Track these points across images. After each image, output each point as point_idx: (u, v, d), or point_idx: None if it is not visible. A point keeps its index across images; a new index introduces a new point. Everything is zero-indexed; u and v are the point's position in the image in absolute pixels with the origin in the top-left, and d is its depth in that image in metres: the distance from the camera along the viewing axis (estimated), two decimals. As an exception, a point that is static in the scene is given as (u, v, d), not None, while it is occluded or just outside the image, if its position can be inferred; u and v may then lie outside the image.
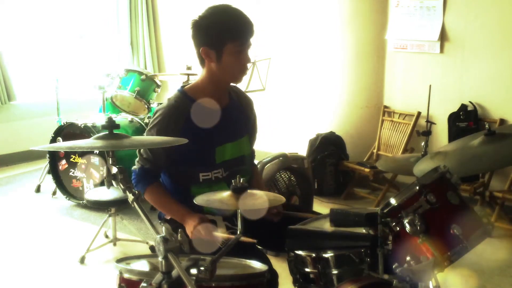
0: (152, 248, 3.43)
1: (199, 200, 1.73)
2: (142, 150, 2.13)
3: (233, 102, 2.26)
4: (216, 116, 2.16)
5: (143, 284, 1.49)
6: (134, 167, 2.16)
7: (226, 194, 1.72)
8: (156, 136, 2.07)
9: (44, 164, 4.77)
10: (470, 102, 4.34)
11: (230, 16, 2.09)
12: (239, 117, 2.27)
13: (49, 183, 4.65)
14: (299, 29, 5.27)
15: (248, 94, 2.44)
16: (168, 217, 2.20)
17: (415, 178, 1.74)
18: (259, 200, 1.72)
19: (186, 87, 2.22)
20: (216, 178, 2.16)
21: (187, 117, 2.11)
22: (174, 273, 1.43)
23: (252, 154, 2.40)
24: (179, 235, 1.46)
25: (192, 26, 2.13)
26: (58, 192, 4.51)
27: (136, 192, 1.55)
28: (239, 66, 2.12)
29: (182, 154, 2.08)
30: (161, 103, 4.86)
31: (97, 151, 4.10)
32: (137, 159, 2.15)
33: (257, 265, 1.76)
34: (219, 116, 2.17)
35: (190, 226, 1.98)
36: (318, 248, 1.70)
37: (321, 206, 4.38)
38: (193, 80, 4.28)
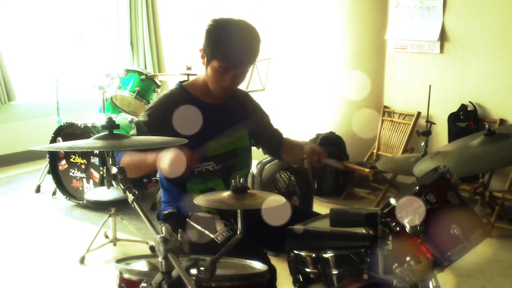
0: (152, 248, 3.43)
1: (199, 200, 1.73)
2: (135, 130, 2.11)
3: (229, 99, 2.27)
4: (210, 112, 2.17)
5: (143, 284, 1.49)
6: None
7: (226, 194, 1.72)
8: (156, 136, 2.07)
9: (44, 164, 4.77)
10: (470, 102, 4.34)
11: (230, 38, 2.05)
12: (235, 113, 2.29)
13: (49, 183, 4.65)
14: (299, 29, 5.27)
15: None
16: (166, 212, 2.20)
17: (415, 178, 1.74)
18: (259, 200, 1.72)
19: (185, 82, 2.26)
20: (207, 171, 2.16)
21: (181, 109, 2.13)
22: (174, 273, 1.43)
23: (277, 136, 2.44)
24: (179, 235, 1.46)
25: (208, 24, 2.12)
26: (58, 192, 4.51)
27: (136, 192, 1.55)
28: (218, 84, 2.12)
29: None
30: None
31: (97, 151, 4.10)
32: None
33: (257, 265, 1.76)
34: (213, 112, 2.18)
35: (164, 155, 1.88)
36: (318, 248, 1.70)
37: (321, 206, 4.39)
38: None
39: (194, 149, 2.11)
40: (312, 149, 2.31)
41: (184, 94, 2.19)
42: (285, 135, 2.51)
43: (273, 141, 2.45)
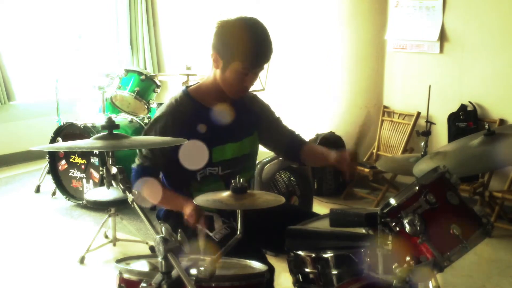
0: (151, 248, 3.43)
1: (199, 200, 1.73)
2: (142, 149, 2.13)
3: (236, 103, 2.25)
4: (218, 117, 2.16)
5: (143, 284, 1.49)
6: (133, 165, 2.16)
7: (225, 194, 1.72)
8: (156, 136, 2.07)
9: (44, 164, 4.77)
10: (469, 102, 4.34)
11: (251, 38, 2.04)
12: (243, 117, 2.26)
13: (49, 183, 4.65)
14: (299, 29, 5.27)
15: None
16: (165, 207, 2.21)
17: (415, 178, 1.73)
18: (259, 200, 1.73)
19: (190, 87, 2.23)
20: (211, 174, 2.16)
21: (188, 117, 2.12)
22: (174, 273, 1.43)
23: (291, 135, 2.38)
24: (179, 235, 1.46)
25: (216, 26, 2.10)
26: (58, 192, 4.51)
27: (136, 192, 1.55)
28: (239, 85, 2.11)
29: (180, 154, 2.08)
30: (161, 104, 4.85)
31: (97, 151, 4.10)
32: (137, 157, 2.15)
33: (256, 265, 1.76)
34: (221, 117, 2.17)
35: (185, 213, 1.97)
36: (318, 248, 1.70)
37: (320, 206, 4.39)
38: (193, 80, 4.29)
39: (199, 155, 2.11)
40: (340, 158, 2.19)
41: (190, 102, 2.15)
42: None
43: (287, 144, 2.37)
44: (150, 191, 2.08)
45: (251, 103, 2.33)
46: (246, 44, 2.03)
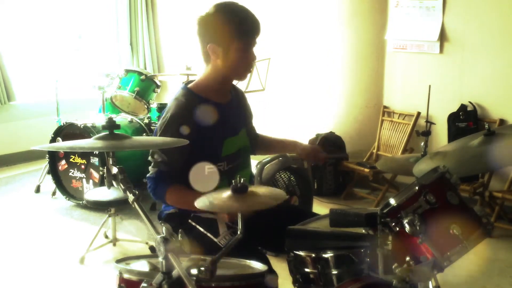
0: (152, 248, 3.43)
1: (200, 204, 1.72)
2: (155, 155, 2.09)
3: (233, 97, 2.30)
4: (221, 111, 2.18)
5: (144, 284, 1.49)
6: (149, 175, 2.11)
7: (226, 196, 1.71)
8: (158, 137, 2.07)
9: (44, 164, 4.77)
10: (469, 102, 4.34)
11: (238, 14, 2.10)
12: (238, 111, 2.32)
13: (48, 183, 4.65)
14: (299, 29, 5.27)
15: (248, 95, 2.46)
16: (168, 212, 2.20)
17: (415, 178, 1.73)
18: (259, 199, 1.72)
19: (189, 85, 2.22)
20: (218, 171, 2.16)
21: (196, 113, 2.12)
22: (175, 273, 1.43)
23: (254, 133, 2.48)
24: (179, 235, 1.46)
25: (198, 23, 2.13)
26: (58, 192, 4.51)
27: (137, 192, 1.55)
28: (245, 63, 2.15)
29: (192, 151, 2.07)
30: (161, 104, 4.83)
31: (97, 151, 4.10)
32: (151, 166, 2.11)
33: (256, 265, 1.76)
34: (224, 111, 2.19)
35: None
36: (318, 248, 1.70)
37: (320, 206, 4.39)
38: (194, 79, 4.29)
39: (210, 149, 2.11)
40: (305, 150, 2.38)
41: (196, 98, 2.15)
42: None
43: (251, 139, 2.44)
44: (177, 198, 2.07)
45: (243, 99, 2.40)
46: (238, 21, 2.08)
